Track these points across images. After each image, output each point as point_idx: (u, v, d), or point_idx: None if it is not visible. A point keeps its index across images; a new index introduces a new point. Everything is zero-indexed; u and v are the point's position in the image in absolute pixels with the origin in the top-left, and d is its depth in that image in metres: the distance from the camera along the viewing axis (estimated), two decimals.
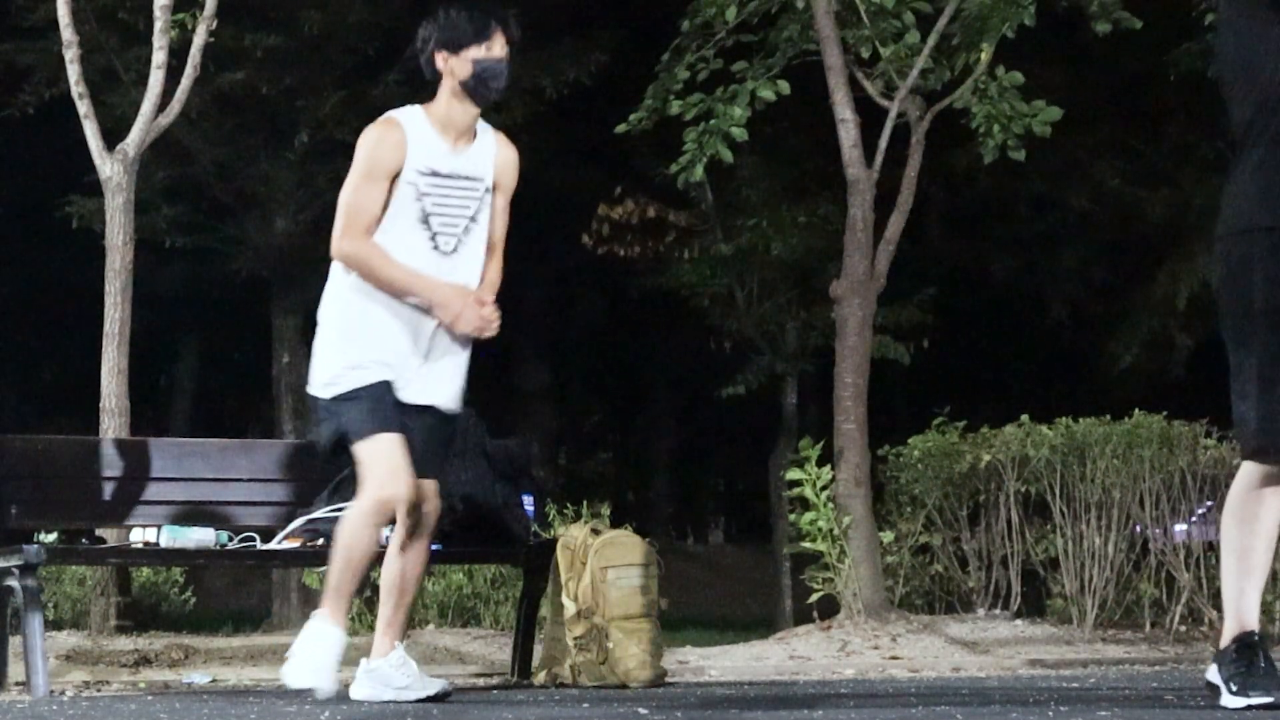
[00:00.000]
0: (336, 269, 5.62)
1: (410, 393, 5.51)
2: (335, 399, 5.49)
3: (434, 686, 5.62)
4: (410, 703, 5.49)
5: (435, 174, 5.56)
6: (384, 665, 5.64)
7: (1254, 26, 4.48)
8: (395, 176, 5.53)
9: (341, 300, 5.57)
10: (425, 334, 5.52)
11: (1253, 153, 4.48)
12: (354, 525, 5.45)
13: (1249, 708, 4.34)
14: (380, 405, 5.42)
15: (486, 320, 5.53)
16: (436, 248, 5.54)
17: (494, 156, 5.70)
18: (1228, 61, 4.56)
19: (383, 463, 5.39)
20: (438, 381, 5.58)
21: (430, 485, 5.61)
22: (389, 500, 5.43)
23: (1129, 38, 12.00)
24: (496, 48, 5.61)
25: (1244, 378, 4.43)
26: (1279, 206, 4.42)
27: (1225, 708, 4.39)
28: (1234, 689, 4.41)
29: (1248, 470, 4.49)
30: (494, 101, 5.71)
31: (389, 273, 5.48)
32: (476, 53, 5.60)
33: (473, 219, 5.61)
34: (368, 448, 5.41)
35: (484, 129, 5.71)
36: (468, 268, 5.61)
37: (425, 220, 5.54)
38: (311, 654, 5.44)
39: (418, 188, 5.53)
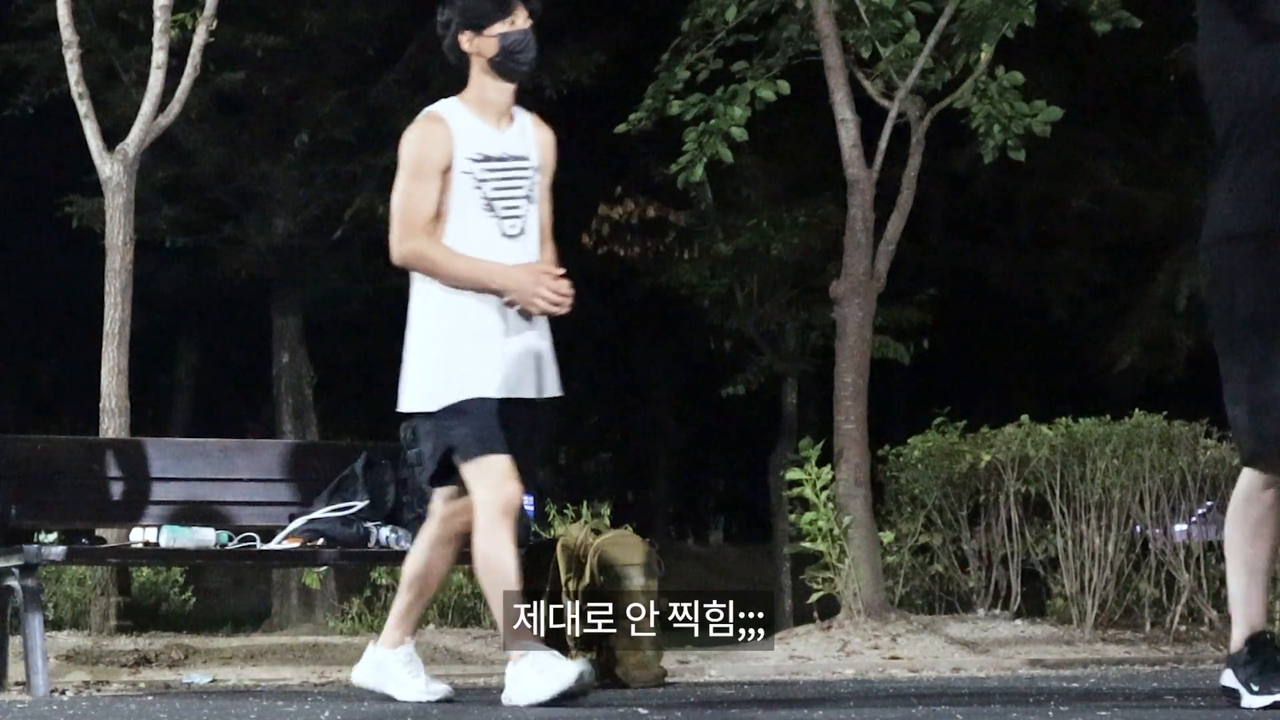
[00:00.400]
0: (420, 278, 5.49)
1: (508, 387, 5.41)
2: (442, 412, 5.36)
3: (438, 691, 5.57)
4: (410, 703, 5.48)
5: (488, 158, 5.46)
6: (391, 659, 5.60)
7: (1231, 35, 4.51)
8: (446, 171, 5.42)
9: (433, 304, 5.43)
10: (512, 324, 5.42)
11: (1231, 160, 4.51)
12: (486, 546, 5.28)
13: (1275, 705, 4.36)
14: (489, 422, 5.31)
15: (561, 295, 5.42)
16: (505, 233, 5.44)
17: (534, 137, 5.61)
18: (1208, 69, 4.59)
19: (492, 473, 5.29)
20: (531, 370, 5.46)
21: None
22: (508, 503, 5.30)
23: (1129, 38, 12.01)
24: (519, 20, 5.53)
25: (1234, 384, 4.46)
26: (1258, 214, 4.44)
27: (1249, 708, 4.39)
28: (1255, 688, 4.43)
29: (1248, 476, 4.51)
30: (526, 75, 5.61)
31: (455, 266, 5.38)
32: (500, 28, 5.49)
33: (528, 199, 5.52)
34: (477, 467, 5.32)
35: (518, 111, 5.62)
36: (533, 249, 5.51)
37: (490, 207, 5.44)
38: (542, 676, 5.14)
39: (474, 175, 5.42)
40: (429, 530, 5.61)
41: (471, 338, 5.37)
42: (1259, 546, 4.50)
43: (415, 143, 5.46)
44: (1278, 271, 4.39)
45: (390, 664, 5.60)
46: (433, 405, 5.38)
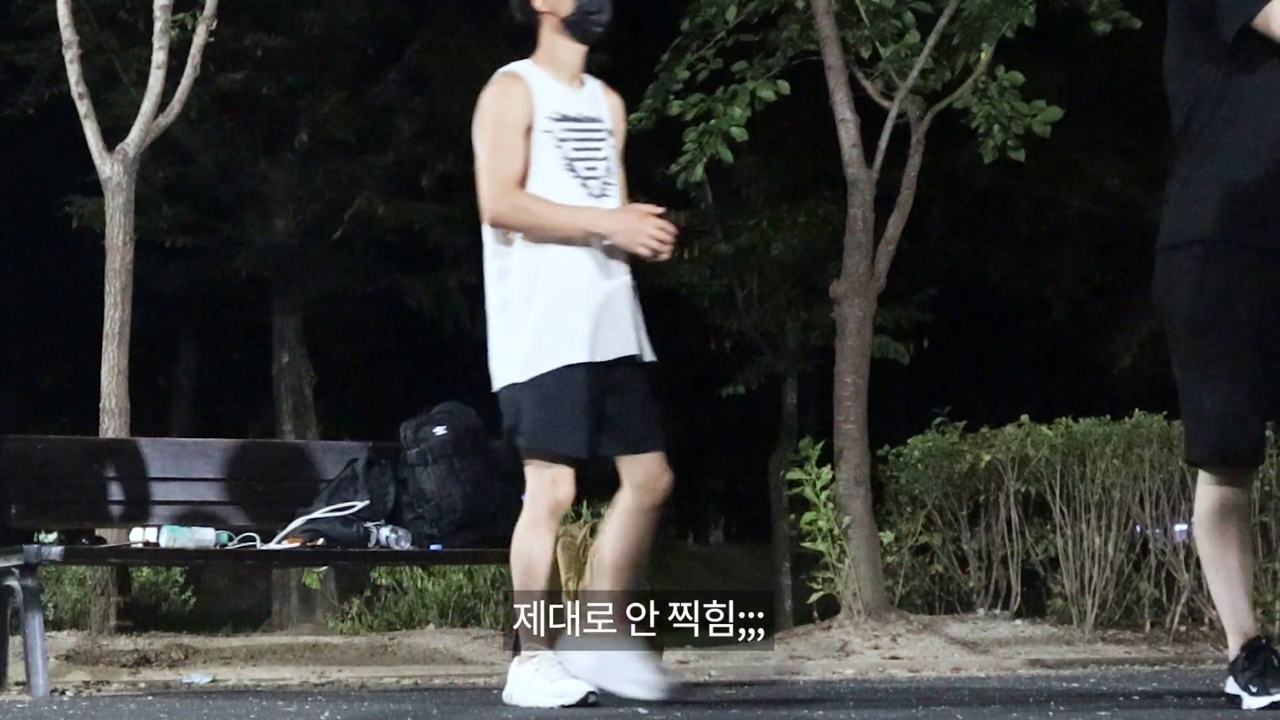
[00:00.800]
0: (494, 248, 5.22)
1: (600, 349, 5.13)
2: (527, 385, 5.09)
3: (671, 684, 5.24)
4: (411, 704, 5.46)
5: (566, 118, 5.23)
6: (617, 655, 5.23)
7: (1189, 43, 4.56)
8: (528, 132, 5.17)
9: (511, 278, 5.18)
10: (599, 283, 5.16)
11: (1181, 166, 4.58)
12: (525, 540, 5.13)
13: (1273, 705, 4.40)
14: (569, 410, 5.07)
15: (663, 234, 5.17)
16: (587, 195, 5.21)
17: (605, 101, 5.41)
18: (1168, 74, 4.65)
19: (550, 472, 5.12)
20: (626, 328, 5.19)
21: (655, 460, 5.29)
22: (558, 505, 5.14)
23: (1129, 37, 12.02)
24: None
25: (1180, 390, 4.57)
26: (1201, 223, 4.51)
27: (1250, 710, 4.44)
28: (1254, 690, 4.48)
29: (1204, 488, 4.56)
30: (600, 36, 5.40)
31: (556, 215, 5.13)
32: None
33: (606, 161, 5.29)
34: (538, 461, 5.12)
35: (585, 76, 5.42)
36: None
37: (570, 167, 5.21)
38: (540, 684, 5.03)
39: (555, 135, 5.20)
40: (616, 512, 5.33)
41: (556, 305, 5.11)
42: (1230, 553, 4.57)
43: (496, 99, 5.22)
44: (1215, 279, 4.47)
45: (617, 659, 5.21)
46: (521, 378, 5.12)
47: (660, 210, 5.25)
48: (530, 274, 5.17)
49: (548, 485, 5.14)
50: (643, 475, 5.31)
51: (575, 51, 5.35)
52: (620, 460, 5.30)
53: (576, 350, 5.12)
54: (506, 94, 5.22)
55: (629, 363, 5.23)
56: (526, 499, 5.19)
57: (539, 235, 5.16)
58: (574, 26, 5.34)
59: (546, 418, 5.11)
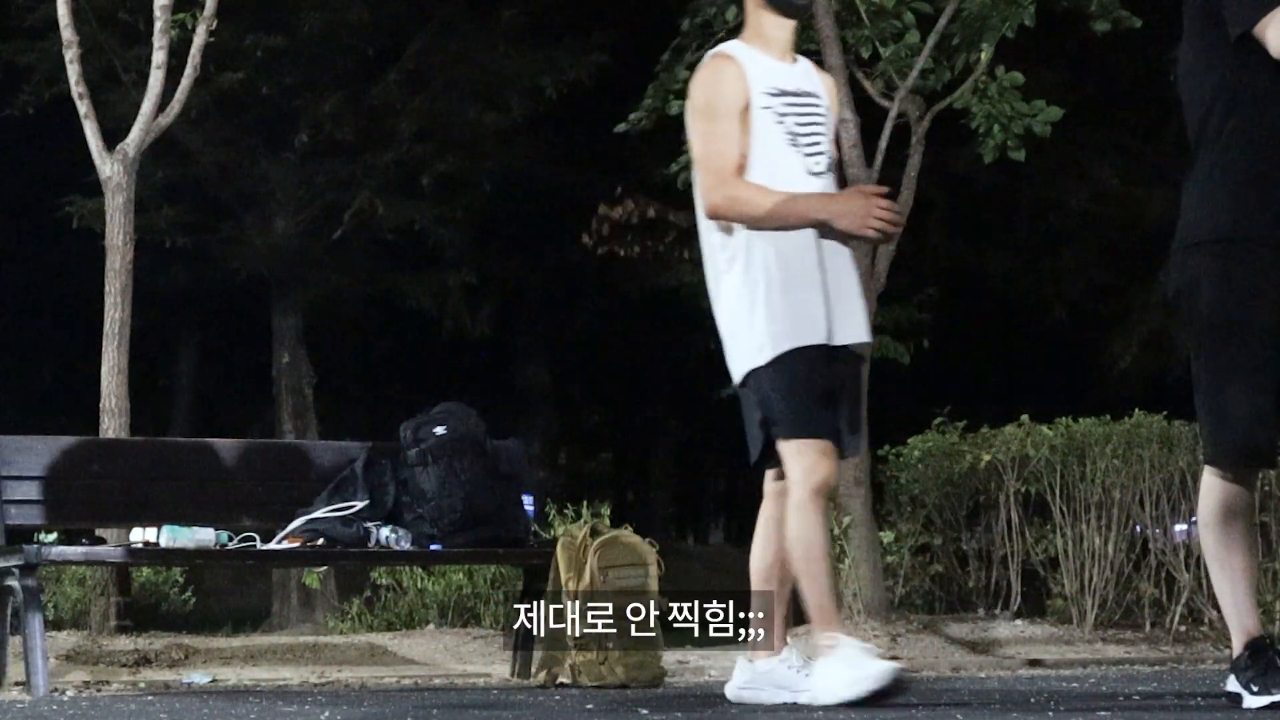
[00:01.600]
0: (714, 238, 5.09)
1: (840, 331, 5.02)
2: (766, 380, 5.00)
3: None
4: (411, 704, 5.46)
5: (784, 92, 5.10)
6: (780, 668, 5.24)
7: (1206, 42, 4.57)
8: (744, 111, 5.03)
9: (738, 264, 5.03)
10: (830, 258, 5.03)
11: (1199, 164, 4.59)
12: (797, 524, 4.98)
13: (1272, 705, 4.40)
14: (814, 393, 4.96)
15: (890, 214, 5.02)
16: (810, 170, 5.07)
17: (818, 78, 5.31)
18: (1183, 74, 4.66)
19: (810, 452, 4.95)
20: (854, 313, 5.09)
21: None
22: (823, 483, 4.98)
23: (1129, 38, 12.02)
24: None
25: (1199, 388, 4.56)
26: (1219, 218, 4.52)
27: (1250, 709, 4.44)
28: (1255, 689, 4.49)
29: (1211, 487, 4.56)
30: (804, 11, 5.34)
31: (778, 205, 4.96)
32: None
33: (827, 136, 5.16)
34: (795, 444, 4.98)
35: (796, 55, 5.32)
36: (833, 189, 5.17)
37: (794, 142, 5.07)
38: (847, 670, 4.91)
39: (775, 110, 5.06)
40: (767, 512, 5.23)
41: (787, 288, 4.98)
42: (1235, 552, 4.57)
43: (708, 85, 5.09)
44: (1238, 278, 4.47)
45: (780, 672, 5.25)
46: (761, 361, 5.01)
47: (884, 189, 5.13)
48: (756, 258, 5.01)
49: (810, 466, 4.97)
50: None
51: (782, 27, 5.25)
52: None
53: (815, 332, 5.00)
54: (718, 77, 5.11)
55: (849, 358, 5.13)
56: (790, 484, 5.01)
57: (759, 225, 5.00)
58: (777, 1, 5.24)
59: (796, 402, 4.98)
